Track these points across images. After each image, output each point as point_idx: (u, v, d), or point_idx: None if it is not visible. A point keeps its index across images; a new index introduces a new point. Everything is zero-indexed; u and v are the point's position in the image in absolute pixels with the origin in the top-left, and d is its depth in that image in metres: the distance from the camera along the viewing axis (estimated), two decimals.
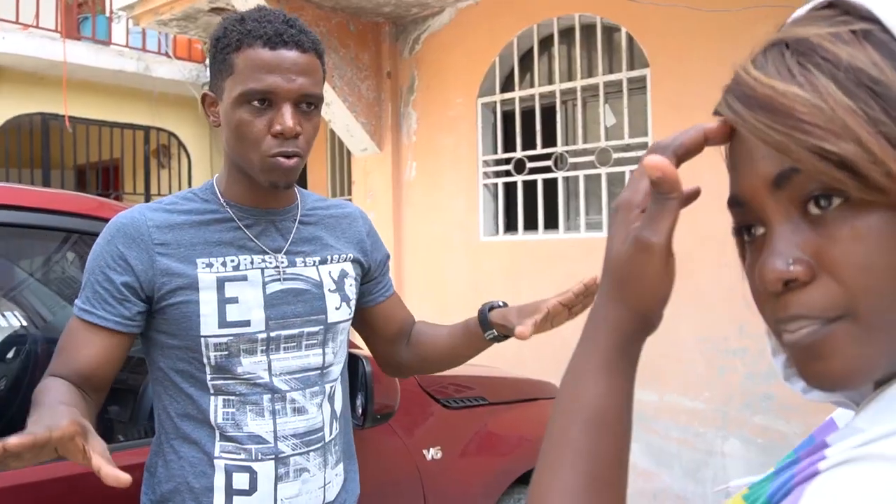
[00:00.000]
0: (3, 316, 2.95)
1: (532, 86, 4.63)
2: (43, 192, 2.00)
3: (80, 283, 1.23)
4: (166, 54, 7.74)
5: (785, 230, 0.51)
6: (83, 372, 1.19)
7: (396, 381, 2.24)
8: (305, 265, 1.32)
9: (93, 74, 7.07)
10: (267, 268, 1.28)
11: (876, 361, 0.48)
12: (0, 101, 6.76)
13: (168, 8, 4.78)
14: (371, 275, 1.48)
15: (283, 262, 1.29)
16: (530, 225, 4.59)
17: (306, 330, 1.30)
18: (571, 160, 4.45)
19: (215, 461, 1.26)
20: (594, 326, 0.60)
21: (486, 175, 4.80)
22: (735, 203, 0.58)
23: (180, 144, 8.12)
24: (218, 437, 1.26)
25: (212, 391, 1.26)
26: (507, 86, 4.77)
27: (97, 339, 1.20)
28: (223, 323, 1.23)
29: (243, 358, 1.25)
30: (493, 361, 3.84)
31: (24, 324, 2.71)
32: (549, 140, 4.53)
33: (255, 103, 1.19)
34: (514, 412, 2.82)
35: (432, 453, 2.39)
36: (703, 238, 3.85)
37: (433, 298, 4.96)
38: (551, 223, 4.52)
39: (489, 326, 1.36)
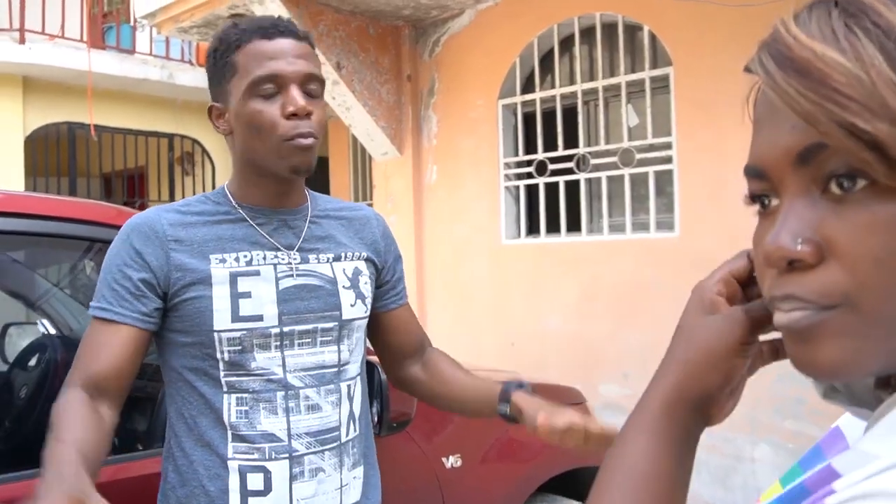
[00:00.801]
0: (23, 325, 2.97)
1: (553, 87, 4.58)
2: (60, 201, 2.00)
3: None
4: (189, 62, 7.80)
5: (800, 206, 0.47)
6: (103, 375, 1.18)
7: None
8: (318, 262, 1.33)
9: (117, 83, 7.14)
10: (280, 264, 1.29)
11: (870, 356, 0.46)
12: (27, 110, 6.86)
13: (188, 15, 4.80)
14: (383, 277, 1.46)
15: (295, 259, 1.30)
16: (553, 227, 4.53)
17: (321, 326, 1.30)
18: (594, 161, 4.39)
19: (229, 462, 1.25)
20: (648, 389, 0.59)
21: (507, 177, 4.76)
22: (753, 172, 0.53)
23: (204, 151, 8.18)
24: (230, 438, 1.26)
25: (225, 388, 1.26)
26: (528, 87, 4.73)
27: (116, 339, 1.20)
28: (236, 317, 1.24)
29: (257, 353, 1.25)
30: (516, 365, 3.80)
31: (45, 332, 2.72)
32: (571, 141, 4.48)
33: (264, 92, 1.22)
34: None
35: (452, 461, 2.35)
36: (733, 237, 3.77)
37: (455, 302, 4.93)
38: (574, 225, 4.47)
39: (507, 401, 1.35)
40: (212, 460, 1.26)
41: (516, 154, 4.73)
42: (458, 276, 4.95)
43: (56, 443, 1.06)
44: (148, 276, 1.23)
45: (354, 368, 1.38)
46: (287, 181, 1.30)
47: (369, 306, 1.40)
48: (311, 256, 1.32)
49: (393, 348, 1.52)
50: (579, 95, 4.42)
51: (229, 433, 1.25)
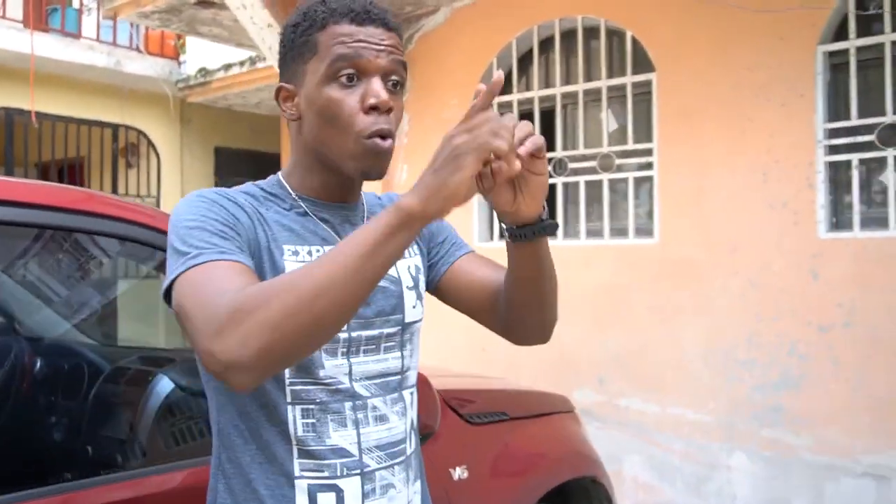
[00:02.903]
0: None
1: (531, 89, 4.52)
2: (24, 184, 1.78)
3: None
4: (137, 49, 7.48)
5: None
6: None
7: (437, 398, 2.10)
8: None
9: (61, 68, 6.79)
10: None
11: None
12: None
13: (151, 0, 4.57)
14: (435, 241, 1.33)
15: None
16: None
17: (385, 331, 1.19)
18: (572, 165, 4.35)
19: (296, 481, 1.12)
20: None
21: None
22: None
23: (150, 143, 7.86)
24: (297, 454, 1.12)
25: (289, 399, 1.12)
26: (505, 88, 4.66)
27: (246, 275, 0.98)
28: None
29: (325, 360, 1.13)
30: (488, 370, 3.72)
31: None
32: (548, 145, 4.43)
33: (344, 79, 1.09)
34: (533, 427, 2.70)
35: (459, 473, 2.25)
36: (712, 246, 3.79)
37: (426, 305, 4.81)
38: None
39: (502, 234, 1.15)
40: (275, 479, 1.12)
41: None
42: None
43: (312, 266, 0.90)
44: (245, 238, 1.06)
45: (414, 376, 1.28)
46: (353, 178, 1.17)
47: (424, 307, 1.29)
48: None
49: (481, 300, 1.27)
50: (558, 98, 4.38)
51: (295, 448, 1.12)
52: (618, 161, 4.16)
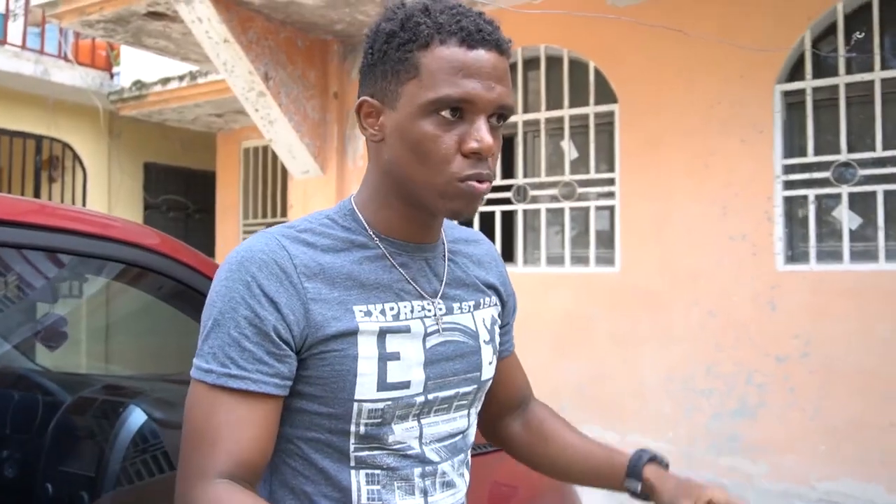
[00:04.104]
0: None
1: None
2: None
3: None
4: (65, 57, 7.14)
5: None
6: (250, 461, 0.92)
7: None
8: (462, 311, 1.10)
9: None
10: (426, 317, 1.05)
11: None
12: None
13: (97, 9, 4.37)
14: (503, 320, 1.24)
15: (440, 309, 1.07)
16: None
17: (461, 390, 1.09)
18: (533, 193, 4.37)
19: None
20: None
21: None
22: None
23: (76, 157, 7.49)
24: None
25: (353, 464, 1.01)
26: None
27: (256, 413, 0.93)
28: (383, 385, 0.99)
29: (395, 425, 1.02)
30: None
31: None
32: (508, 172, 4.44)
33: (446, 114, 0.96)
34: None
35: None
36: (673, 276, 3.85)
37: None
38: (508, 256, 4.41)
39: (638, 478, 1.16)
40: None
41: None
42: None
43: None
44: (283, 329, 0.95)
45: (473, 434, 1.17)
46: (437, 217, 1.06)
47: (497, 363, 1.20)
48: (455, 305, 1.09)
49: (496, 401, 1.28)
50: (520, 126, 4.39)
51: None
52: (579, 190, 4.20)
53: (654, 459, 1.17)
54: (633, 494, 1.16)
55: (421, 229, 1.07)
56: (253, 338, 0.94)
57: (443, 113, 0.96)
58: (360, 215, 1.06)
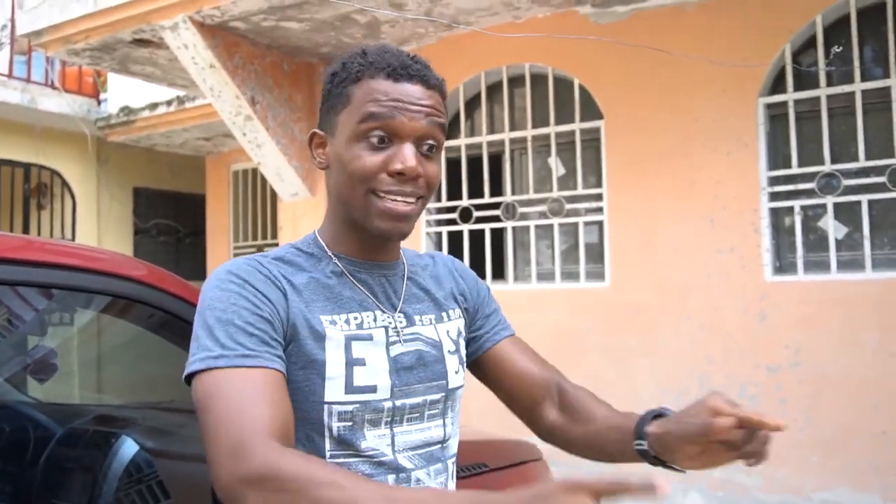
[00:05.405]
0: None
1: (479, 133, 4.56)
2: None
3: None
4: (52, 85, 7.15)
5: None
6: (286, 427, 0.95)
7: None
8: (422, 323, 1.17)
9: None
10: (389, 326, 1.13)
11: None
12: None
13: (83, 37, 4.38)
14: (481, 313, 1.29)
15: (401, 322, 1.14)
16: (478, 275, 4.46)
17: (429, 398, 1.14)
18: (521, 210, 4.39)
19: None
20: None
21: (428, 223, 4.66)
22: None
23: (64, 184, 7.49)
24: None
25: None
26: (453, 132, 4.67)
27: (275, 386, 0.97)
28: (350, 388, 1.06)
29: (367, 431, 1.08)
30: None
31: None
32: (497, 189, 4.46)
33: (374, 139, 1.05)
34: (511, 478, 2.64)
35: None
36: (662, 290, 3.87)
37: None
38: (499, 273, 4.42)
39: (643, 436, 1.11)
40: None
41: (439, 199, 4.65)
42: None
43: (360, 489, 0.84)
44: (277, 321, 1.03)
45: (455, 444, 1.22)
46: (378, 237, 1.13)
47: (465, 372, 1.24)
48: (416, 318, 1.17)
49: (515, 393, 1.28)
50: (507, 143, 4.42)
51: None
52: (567, 206, 4.22)
53: (661, 415, 1.12)
54: (645, 456, 1.11)
55: (374, 249, 1.16)
56: (257, 324, 1.00)
57: (371, 139, 1.05)
58: (321, 241, 1.16)
